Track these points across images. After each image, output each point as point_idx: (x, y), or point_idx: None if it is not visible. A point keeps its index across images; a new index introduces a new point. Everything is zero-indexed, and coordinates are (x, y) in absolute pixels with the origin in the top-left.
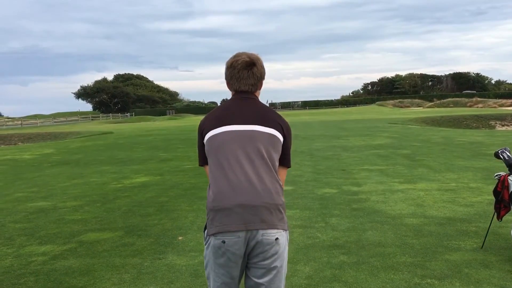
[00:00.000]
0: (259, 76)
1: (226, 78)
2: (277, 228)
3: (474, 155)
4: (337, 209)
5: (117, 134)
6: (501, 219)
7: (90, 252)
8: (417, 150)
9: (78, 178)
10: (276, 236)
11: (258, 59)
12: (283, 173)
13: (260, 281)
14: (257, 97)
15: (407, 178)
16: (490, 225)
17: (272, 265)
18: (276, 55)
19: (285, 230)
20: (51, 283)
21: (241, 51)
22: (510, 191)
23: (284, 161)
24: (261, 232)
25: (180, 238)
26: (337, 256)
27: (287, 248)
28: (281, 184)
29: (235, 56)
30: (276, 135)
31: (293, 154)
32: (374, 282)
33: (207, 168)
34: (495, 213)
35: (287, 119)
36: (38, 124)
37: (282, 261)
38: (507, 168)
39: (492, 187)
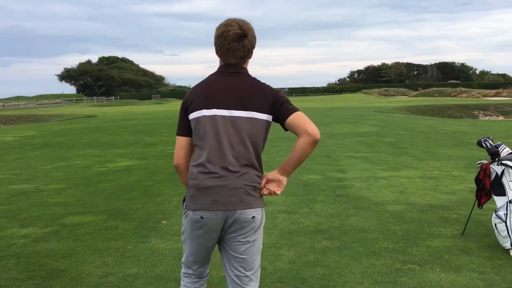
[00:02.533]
0: (250, 48)
1: (215, 47)
2: (254, 207)
3: (457, 144)
4: (321, 195)
5: (101, 118)
6: (482, 207)
7: (73, 235)
8: (401, 138)
9: (61, 161)
10: (253, 215)
11: (250, 29)
12: (300, 117)
13: (237, 254)
14: (245, 69)
15: (390, 165)
16: (471, 213)
17: (248, 239)
18: (263, 41)
19: (262, 207)
20: (32, 266)
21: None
22: (491, 179)
23: (289, 110)
24: (239, 211)
25: (164, 222)
26: (320, 241)
27: (263, 222)
28: (261, 167)
29: (226, 25)
30: (259, 117)
31: (279, 141)
32: (356, 267)
33: (181, 139)
34: (476, 201)
35: None
36: (21, 106)
37: (258, 235)
38: (490, 157)
39: (474, 176)
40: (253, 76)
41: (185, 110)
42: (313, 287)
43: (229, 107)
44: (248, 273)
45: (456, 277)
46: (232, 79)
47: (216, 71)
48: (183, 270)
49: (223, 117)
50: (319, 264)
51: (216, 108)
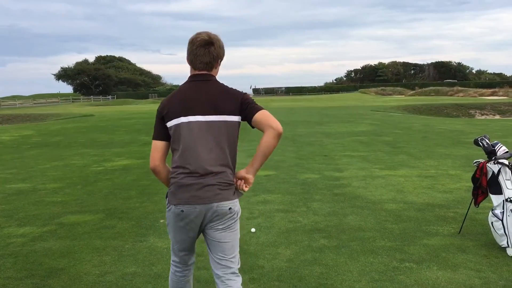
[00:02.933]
0: (216, 56)
1: (187, 53)
2: (230, 200)
3: (454, 143)
4: (319, 194)
5: (98, 117)
6: (478, 205)
7: (70, 234)
8: (398, 137)
9: (58, 160)
10: (229, 206)
11: (218, 40)
12: (264, 114)
13: (218, 241)
14: (214, 77)
15: (388, 164)
16: (467, 211)
17: (226, 228)
18: (259, 40)
19: (237, 199)
20: (30, 265)
21: (224, 36)
22: (488, 178)
23: (254, 109)
24: (216, 204)
25: (162, 221)
26: (317, 240)
27: (240, 213)
28: (234, 164)
29: (196, 34)
30: (230, 119)
31: None
32: (354, 265)
33: (157, 143)
34: (473, 199)
35: (271, 105)
36: (17, 106)
37: (235, 224)
38: (486, 156)
39: (470, 175)
40: (221, 82)
41: (162, 118)
42: (311, 286)
43: (204, 113)
44: (228, 257)
45: (453, 275)
46: (203, 86)
47: (187, 80)
48: (172, 258)
49: (199, 122)
50: (316, 263)
51: (192, 115)
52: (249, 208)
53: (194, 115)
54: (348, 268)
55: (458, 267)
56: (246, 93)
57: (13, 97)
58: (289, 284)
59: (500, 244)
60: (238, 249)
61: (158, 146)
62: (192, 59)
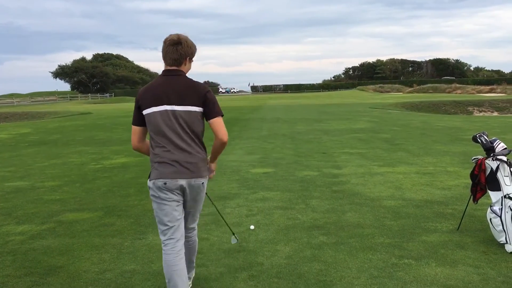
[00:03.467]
0: (183, 54)
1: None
2: (203, 177)
3: (452, 139)
4: (318, 191)
5: (96, 115)
6: (477, 202)
7: (69, 232)
8: (396, 134)
9: (57, 158)
10: (202, 181)
11: (186, 40)
12: (217, 123)
13: (189, 210)
14: (183, 72)
15: (386, 161)
16: (466, 208)
17: (197, 198)
18: (258, 38)
19: (207, 175)
20: (29, 262)
21: (222, 34)
22: (486, 174)
23: (213, 113)
24: (193, 180)
25: None
26: (316, 237)
27: (206, 186)
28: (203, 146)
29: (169, 35)
30: (192, 110)
31: (274, 137)
32: (353, 262)
33: (135, 128)
34: (471, 196)
35: (269, 102)
36: (15, 104)
37: (203, 195)
38: (485, 152)
39: (469, 171)
40: (190, 77)
41: (138, 107)
42: (310, 282)
43: (171, 103)
44: (194, 218)
45: (451, 271)
46: (172, 81)
47: (160, 74)
48: (162, 240)
49: (167, 111)
50: (315, 260)
51: (161, 105)
52: (248, 205)
53: (163, 105)
54: (347, 264)
55: (457, 264)
56: (209, 90)
57: (11, 95)
58: (289, 281)
59: (499, 240)
60: (199, 211)
61: (136, 130)
62: (164, 56)
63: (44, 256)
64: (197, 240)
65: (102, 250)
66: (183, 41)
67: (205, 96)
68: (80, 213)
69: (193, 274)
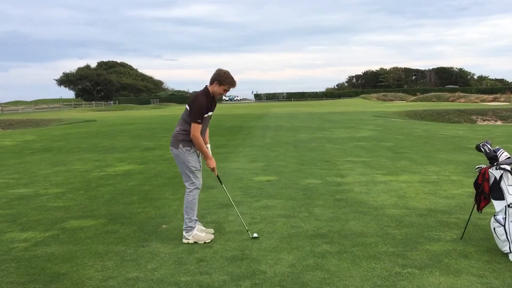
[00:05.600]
0: (212, 78)
1: None
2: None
3: (456, 148)
4: (321, 200)
5: (100, 122)
6: (481, 211)
7: (73, 239)
8: (400, 143)
9: (61, 165)
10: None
11: (216, 72)
12: (191, 126)
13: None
14: (206, 86)
15: (389, 170)
16: (470, 217)
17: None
18: (260, 46)
19: (177, 148)
20: (32, 269)
21: (225, 42)
22: (490, 183)
23: (191, 117)
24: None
25: (164, 226)
26: (320, 245)
27: (182, 157)
28: (182, 130)
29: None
30: (187, 107)
31: (278, 145)
32: (356, 270)
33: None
34: (475, 205)
35: (273, 110)
36: (20, 111)
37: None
38: (488, 161)
39: (472, 180)
40: (205, 88)
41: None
42: None
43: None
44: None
45: (455, 281)
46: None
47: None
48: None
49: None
50: (319, 268)
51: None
52: (251, 213)
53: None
54: (351, 273)
55: (461, 273)
56: (194, 99)
57: (15, 102)
58: None
59: (503, 249)
60: (186, 178)
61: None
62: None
63: (47, 263)
64: (186, 197)
65: (106, 258)
66: (215, 72)
67: (190, 102)
68: (83, 220)
69: (184, 226)
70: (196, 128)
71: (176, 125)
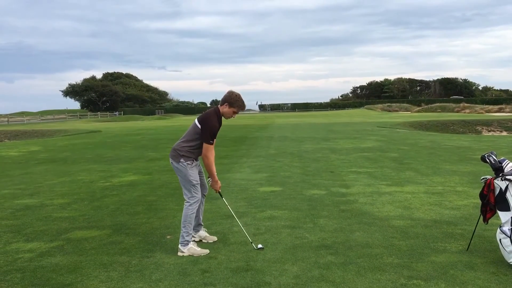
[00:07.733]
0: (222, 99)
1: None
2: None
3: (461, 159)
4: (325, 210)
5: (105, 133)
6: (487, 222)
7: (78, 249)
8: (404, 154)
9: (66, 176)
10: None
11: (227, 94)
12: (203, 146)
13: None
14: (216, 106)
15: (394, 181)
16: (475, 228)
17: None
18: (264, 57)
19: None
20: (37, 280)
21: (229, 53)
22: (496, 194)
23: (202, 138)
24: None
25: (168, 237)
26: (325, 256)
27: (184, 171)
28: (187, 145)
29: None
30: (197, 123)
31: (282, 156)
32: (361, 282)
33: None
34: (481, 216)
35: (277, 121)
36: (25, 122)
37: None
38: (493, 172)
39: (478, 191)
40: (216, 108)
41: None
42: None
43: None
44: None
45: None
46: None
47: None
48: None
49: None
50: (324, 279)
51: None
52: (255, 224)
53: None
54: (356, 285)
55: (466, 285)
56: (206, 119)
57: (21, 113)
58: None
59: (509, 261)
60: (186, 191)
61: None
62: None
63: (52, 274)
64: (185, 211)
65: (110, 268)
66: (226, 94)
67: (200, 121)
68: (88, 231)
69: (181, 239)
70: (208, 149)
71: (181, 137)
